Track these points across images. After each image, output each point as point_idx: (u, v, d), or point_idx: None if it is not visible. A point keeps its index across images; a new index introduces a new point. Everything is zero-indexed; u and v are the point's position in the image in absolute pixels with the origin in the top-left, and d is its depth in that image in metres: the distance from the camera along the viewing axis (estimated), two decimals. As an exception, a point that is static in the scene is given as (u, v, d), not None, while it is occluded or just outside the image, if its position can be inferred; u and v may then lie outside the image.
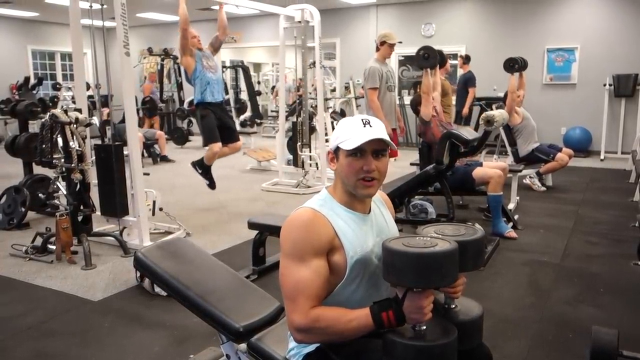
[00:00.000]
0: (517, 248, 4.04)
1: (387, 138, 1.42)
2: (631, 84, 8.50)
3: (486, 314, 1.53)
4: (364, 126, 1.40)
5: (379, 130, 1.41)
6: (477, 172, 4.33)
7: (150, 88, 11.94)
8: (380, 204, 1.60)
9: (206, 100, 4.89)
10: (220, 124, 5.02)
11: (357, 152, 1.40)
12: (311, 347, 1.46)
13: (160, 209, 4.41)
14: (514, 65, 5.71)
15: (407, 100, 9.01)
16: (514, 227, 4.44)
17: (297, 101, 6.99)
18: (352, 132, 1.40)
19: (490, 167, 4.46)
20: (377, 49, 4.90)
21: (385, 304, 1.33)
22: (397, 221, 1.65)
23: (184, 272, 1.83)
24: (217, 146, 4.94)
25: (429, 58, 4.40)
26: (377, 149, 1.42)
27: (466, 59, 8.55)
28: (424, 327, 1.33)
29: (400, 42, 4.89)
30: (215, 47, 5.09)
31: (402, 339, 1.30)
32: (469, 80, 8.28)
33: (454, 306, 1.50)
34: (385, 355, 1.33)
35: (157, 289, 3.13)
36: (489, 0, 9.62)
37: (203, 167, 5.14)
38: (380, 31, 10.49)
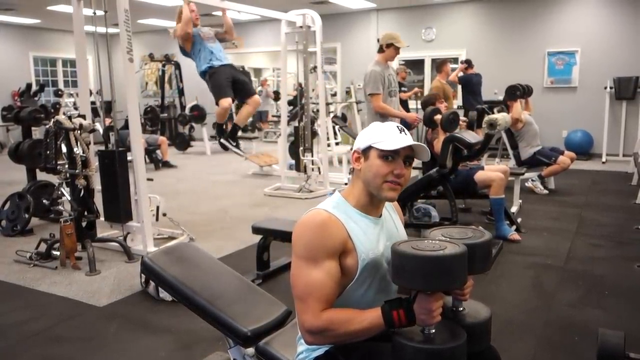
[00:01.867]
0: (521, 251, 4.04)
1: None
2: (632, 87, 8.52)
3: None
4: (400, 132, 1.45)
5: (411, 139, 1.46)
6: (479, 176, 4.34)
7: None
8: (391, 209, 1.62)
9: (214, 65, 4.83)
10: (233, 80, 4.96)
11: (391, 156, 1.43)
12: (320, 351, 1.46)
13: (164, 215, 4.41)
14: (516, 92, 5.72)
15: (411, 104, 9.02)
16: (517, 230, 4.44)
17: (299, 106, 7.00)
18: (389, 135, 1.44)
19: (491, 171, 4.46)
20: (381, 51, 4.61)
21: (396, 303, 1.34)
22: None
23: (191, 277, 1.84)
24: (227, 101, 4.91)
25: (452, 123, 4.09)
26: (408, 156, 1.46)
27: (468, 64, 8.48)
28: (433, 331, 1.33)
29: (408, 46, 4.70)
30: (219, 37, 5.07)
31: (412, 343, 1.31)
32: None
33: (462, 309, 1.51)
34: (395, 359, 1.33)
35: (162, 294, 3.13)
36: (489, 4, 9.65)
37: (229, 134, 5.07)
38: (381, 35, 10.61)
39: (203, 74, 4.96)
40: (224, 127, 5.14)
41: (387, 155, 1.43)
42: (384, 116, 4.46)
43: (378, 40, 4.70)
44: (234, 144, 5.12)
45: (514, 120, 5.62)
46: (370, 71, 4.51)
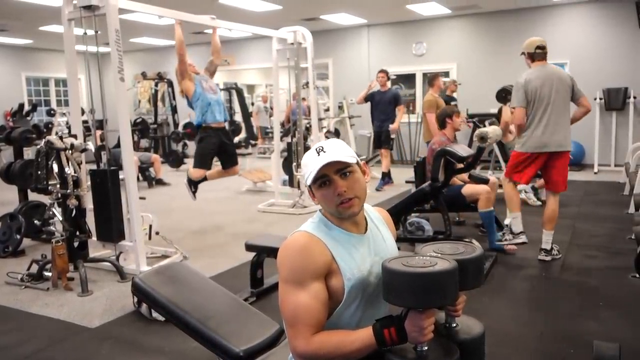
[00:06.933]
0: (515, 263, 4.04)
1: (342, 157, 1.39)
2: (621, 98, 8.60)
3: (486, 331, 1.52)
4: (318, 155, 1.41)
5: (332, 152, 1.40)
6: (466, 189, 4.35)
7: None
8: (380, 222, 1.59)
9: (207, 121, 4.91)
10: (220, 150, 5.10)
11: (324, 182, 1.41)
12: (313, 371, 1.45)
13: (157, 233, 4.39)
14: (506, 95, 5.78)
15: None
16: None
17: (292, 122, 7.02)
18: (310, 166, 1.41)
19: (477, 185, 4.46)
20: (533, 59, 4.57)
21: (387, 322, 1.33)
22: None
23: (182, 297, 1.82)
24: (200, 174, 5.08)
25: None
26: (339, 169, 1.41)
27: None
28: (426, 348, 1.32)
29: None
30: (211, 72, 5.16)
31: (404, 360, 1.30)
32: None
33: (454, 325, 1.50)
34: (388, 377, 1.32)
35: (155, 315, 3.10)
36: (478, 18, 9.76)
37: (192, 183, 5.23)
38: (372, 50, 10.69)
39: (197, 128, 5.06)
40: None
41: (320, 183, 1.41)
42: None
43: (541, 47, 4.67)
44: (193, 190, 5.27)
45: (504, 125, 5.65)
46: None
